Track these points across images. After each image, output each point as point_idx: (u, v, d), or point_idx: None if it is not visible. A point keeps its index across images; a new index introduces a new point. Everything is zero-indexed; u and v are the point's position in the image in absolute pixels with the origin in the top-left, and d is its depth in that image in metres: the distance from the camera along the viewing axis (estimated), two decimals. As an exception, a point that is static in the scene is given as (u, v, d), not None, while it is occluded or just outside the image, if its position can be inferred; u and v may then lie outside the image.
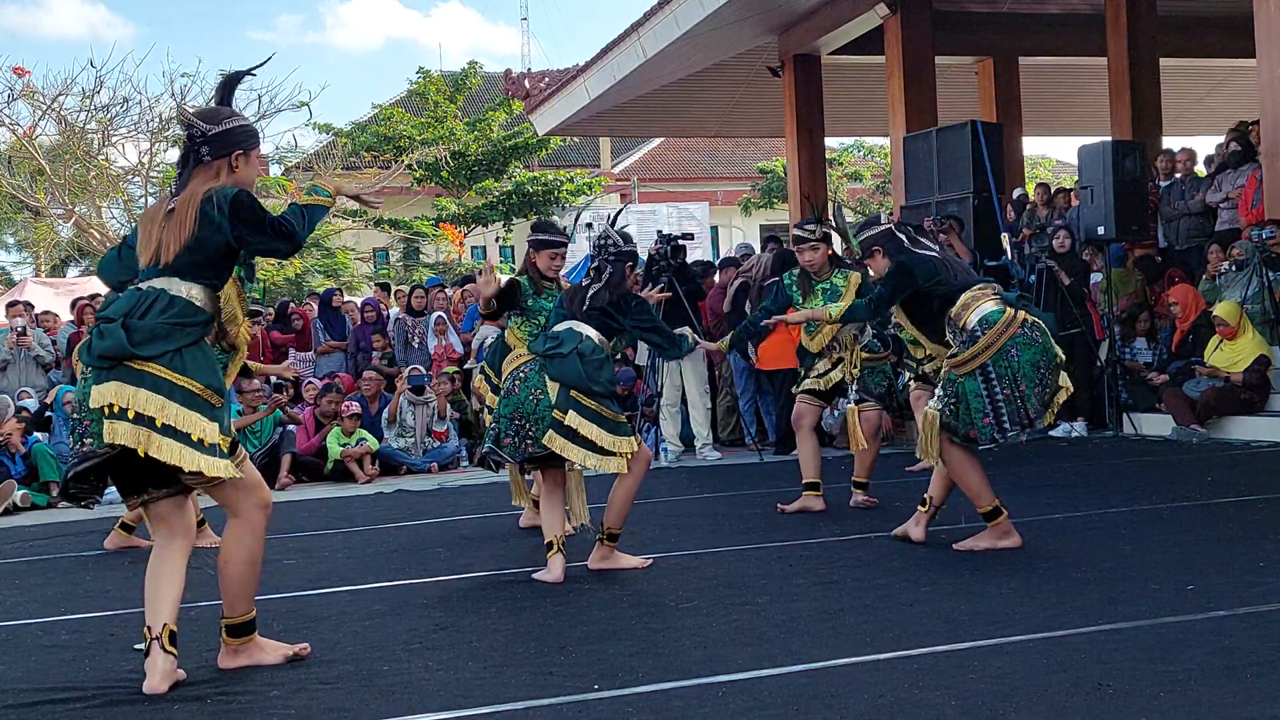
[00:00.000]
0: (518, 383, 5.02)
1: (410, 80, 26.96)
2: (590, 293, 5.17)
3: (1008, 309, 5.03)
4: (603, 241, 5.31)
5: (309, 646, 3.84)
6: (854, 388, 6.37)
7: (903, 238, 5.35)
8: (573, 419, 4.88)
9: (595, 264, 5.27)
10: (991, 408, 4.94)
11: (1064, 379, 5.09)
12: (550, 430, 4.88)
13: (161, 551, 3.60)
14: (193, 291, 3.55)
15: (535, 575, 4.95)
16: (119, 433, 3.42)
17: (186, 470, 3.46)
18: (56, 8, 78.05)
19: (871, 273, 5.57)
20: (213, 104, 3.82)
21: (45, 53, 70.01)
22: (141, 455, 3.43)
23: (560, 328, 5.10)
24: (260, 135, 3.86)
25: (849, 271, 6.43)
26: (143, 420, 3.42)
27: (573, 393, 4.89)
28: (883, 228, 5.42)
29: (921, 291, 5.22)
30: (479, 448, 10.35)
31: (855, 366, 6.34)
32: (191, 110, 3.70)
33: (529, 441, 4.96)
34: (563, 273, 5.96)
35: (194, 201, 3.53)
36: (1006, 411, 4.93)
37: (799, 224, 6.69)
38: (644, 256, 10.93)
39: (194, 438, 3.44)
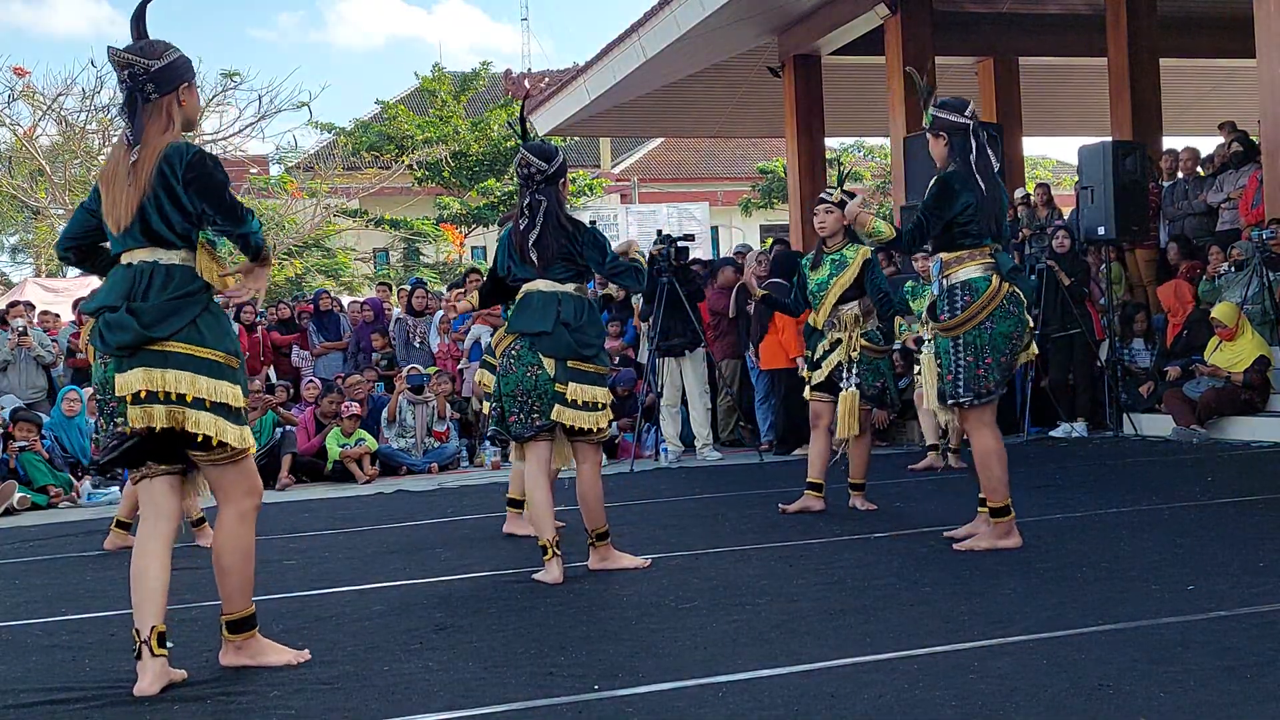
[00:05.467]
0: (512, 360, 4.96)
1: (418, 75, 27.00)
2: (531, 241, 4.87)
3: (994, 279, 5.03)
4: (525, 170, 4.90)
5: (309, 654, 3.79)
6: (852, 372, 6.33)
7: (974, 144, 5.10)
8: (574, 390, 4.88)
9: (526, 201, 4.90)
10: (953, 368, 5.08)
11: (1032, 345, 5.23)
12: (557, 405, 4.89)
13: (146, 541, 3.53)
14: (184, 256, 3.50)
15: (535, 576, 4.94)
16: (155, 416, 3.43)
17: (222, 442, 3.48)
18: (61, 5, 78.16)
19: (931, 151, 5.25)
20: (135, 41, 3.55)
21: (49, 50, 70.15)
22: (178, 431, 3.45)
23: (531, 290, 4.93)
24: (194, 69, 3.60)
25: (859, 245, 6.41)
26: (176, 400, 3.43)
27: (569, 363, 4.89)
28: (962, 120, 5.10)
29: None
30: (481, 446, 10.40)
31: (854, 350, 6.32)
32: (124, 47, 3.49)
33: (535, 416, 4.93)
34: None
35: (153, 157, 3.41)
36: (964, 378, 5.05)
37: (827, 191, 6.48)
38: (644, 257, 10.96)
39: (228, 406, 3.47)
